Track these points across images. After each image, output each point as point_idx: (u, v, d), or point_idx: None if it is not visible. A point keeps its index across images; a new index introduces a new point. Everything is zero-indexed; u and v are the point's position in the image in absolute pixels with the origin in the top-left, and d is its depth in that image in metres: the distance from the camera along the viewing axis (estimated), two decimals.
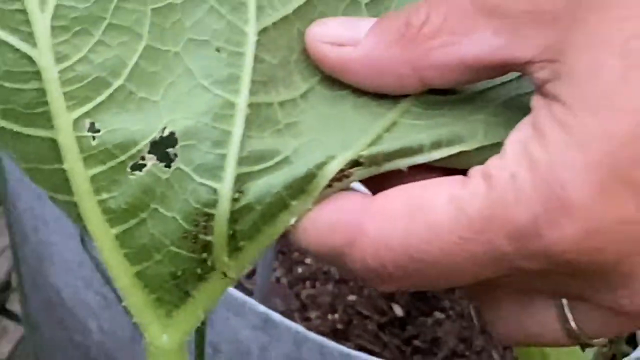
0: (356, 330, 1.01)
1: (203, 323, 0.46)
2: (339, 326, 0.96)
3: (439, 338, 1.08)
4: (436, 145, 0.37)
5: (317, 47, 0.38)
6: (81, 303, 0.89)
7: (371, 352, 0.88)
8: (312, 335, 0.77)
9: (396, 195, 0.36)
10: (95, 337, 0.89)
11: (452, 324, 1.10)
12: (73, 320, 0.91)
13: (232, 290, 0.76)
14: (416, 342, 1.04)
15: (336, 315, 1.02)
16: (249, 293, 0.87)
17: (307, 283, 1.07)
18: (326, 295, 1.07)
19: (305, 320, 0.90)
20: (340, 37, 0.37)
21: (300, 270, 1.07)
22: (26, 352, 1.07)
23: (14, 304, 1.03)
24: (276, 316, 0.77)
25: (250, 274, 1.01)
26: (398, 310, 1.10)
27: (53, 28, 0.37)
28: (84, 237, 0.76)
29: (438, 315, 1.09)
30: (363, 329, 1.03)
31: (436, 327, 1.09)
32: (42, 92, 0.38)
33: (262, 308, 0.77)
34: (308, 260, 1.09)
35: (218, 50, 0.38)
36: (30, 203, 0.91)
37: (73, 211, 0.40)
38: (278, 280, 1.02)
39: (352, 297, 1.07)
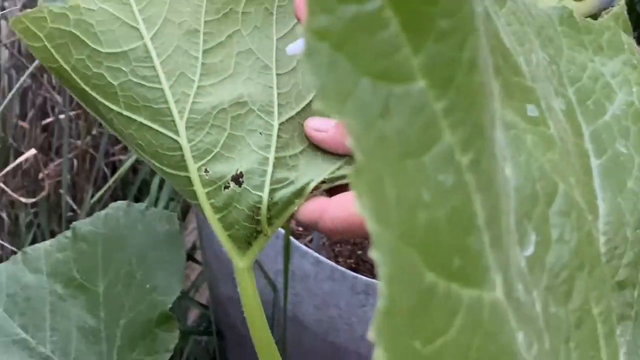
0: (361, 268, 1.19)
1: (287, 260, 0.78)
2: (353, 265, 1.16)
3: None
4: None
5: (308, 131, 0.57)
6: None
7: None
8: (339, 267, 1.03)
9: (341, 196, 0.55)
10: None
11: None
12: (226, 261, 0.97)
13: (302, 246, 1.04)
14: None
15: (351, 260, 1.25)
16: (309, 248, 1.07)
17: (337, 244, 1.27)
18: (346, 250, 1.27)
19: (336, 262, 1.08)
20: (320, 126, 0.57)
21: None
22: (204, 281, 1.31)
23: (198, 256, 1.27)
24: (322, 258, 1.03)
25: (310, 240, 1.22)
26: None
27: (186, 128, 0.57)
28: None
29: None
30: (365, 268, 1.19)
31: None
32: (181, 155, 0.57)
33: (315, 254, 1.03)
34: None
35: (260, 133, 0.57)
36: None
37: (200, 209, 0.59)
38: (323, 243, 1.24)
39: (359, 252, 1.27)
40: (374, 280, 1.02)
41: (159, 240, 0.66)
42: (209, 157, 0.57)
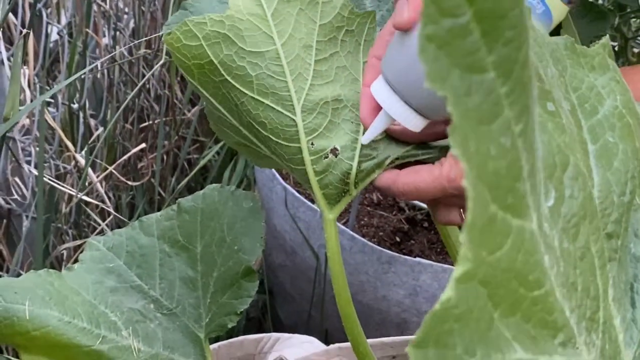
0: (381, 245, 1.12)
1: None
2: (375, 243, 1.09)
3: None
4: (425, 154, 0.60)
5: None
6: (282, 229, 1.19)
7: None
8: (369, 242, 1.07)
9: (410, 169, 0.57)
10: (287, 241, 1.19)
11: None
12: (279, 236, 1.21)
13: (341, 226, 1.09)
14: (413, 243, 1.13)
15: (375, 239, 1.25)
16: (346, 228, 1.11)
17: (364, 227, 1.30)
18: (371, 231, 1.29)
19: (364, 238, 1.09)
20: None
21: (362, 221, 1.31)
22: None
23: None
24: (356, 235, 1.07)
25: (345, 222, 1.26)
26: (404, 229, 1.32)
27: (301, 111, 0.61)
28: (286, 202, 1.15)
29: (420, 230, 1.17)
30: (385, 245, 1.14)
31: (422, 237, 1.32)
32: (296, 130, 0.61)
33: (350, 232, 1.07)
34: (365, 219, 1.32)
35: (352, 122, 0.62)
36: (265, 192, 1.22)
37: (303, 173, 0.62)
38: (354, 225, 1.25)
39: (380, 233, 1.32)
40: (394, 254, 1.06)
41: (244, 213, 0.69)
42: (315, 134, 0.62)
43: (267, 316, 1.34)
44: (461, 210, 0.57)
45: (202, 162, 1.38)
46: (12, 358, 0.63)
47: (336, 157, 0.61)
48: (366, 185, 0.62)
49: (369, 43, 0.63)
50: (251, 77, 0.60)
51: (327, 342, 0.92)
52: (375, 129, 0.57)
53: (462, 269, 0.20)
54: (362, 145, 0.61)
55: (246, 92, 0.61)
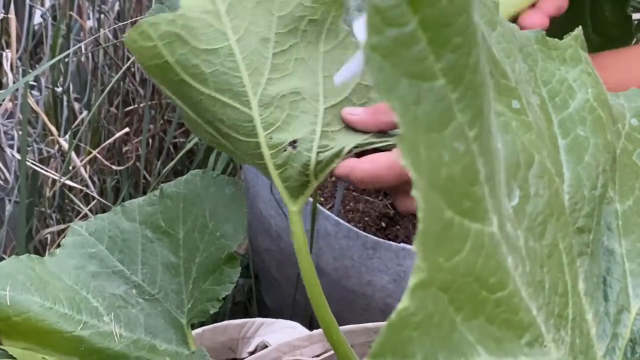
0: (367, 230, 1.11)
1: (314, 221, 0.82)
2: (361, 228, 1.08)
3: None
4: (383, 142, 0.60)
5: (343, 115, 0.61)
6: (268, 214, 1.19)
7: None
8: (354, 228, 1.07)
9: (368, 157, 0.57)
10: (272, 226, 1.19)
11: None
12: (264, 220, 1.20)
13: (326, 211, 1.08)
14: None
15: (360, 224, 1.26)
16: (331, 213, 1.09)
17: (350, 212, 1.30)
18: (356, 216, 1.29)
19: (350, 223, 1.09)
20: (352, 112, 0.61)
21: (348, 207, 1.32)
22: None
23: None
24: (341, 221, 1.07)
25: (331, 207, 1.27)
26: (390, 214, 1.31)
27: (258, 106, 0.60)
28: (271, 187, 1.12)
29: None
30: (370, 231, 1.13)
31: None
32: (253, 126, 0.61)
33: (336, 218, 1.07)
34: (351, 204, 1.32)
35: (310, 114, 0.62)
36: (251, 177, 1.20)
37: (263, 167, 0.62)
38: (340, 210, 1.26)
39: (366, 219, 1.33)
40: (379, 239, 1.05)
41: (226, 199, 0.69)
42: (273, 128, 0.62)
43: (252, 300, 1.35)
44: None
45: (188, 146, 1.37)
46: None
47: (295, 149, 0.61)
48: (326, 176, 0.63)
49: (332, 32, 0.62)
50: (206, 75, 0.60)
51: (311, 327, 0.92)
52: (349, 69, 0.54)
53: (417, 278, 0.20)
54: (321, 136, 0.61)
55: (203, 90, 0.61)
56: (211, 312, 0.68)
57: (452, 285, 0.21)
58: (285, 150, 0.61)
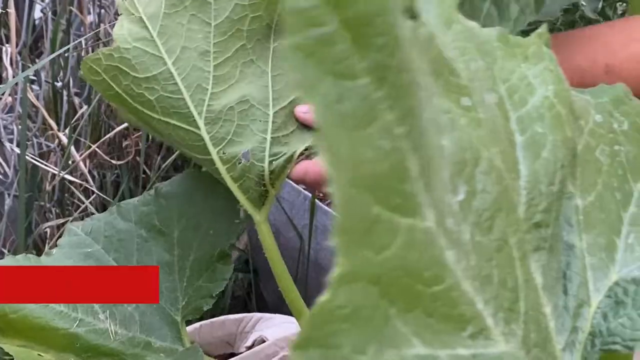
0: None
1: (312, 217, 0.85)
2: None
3: None
4: None
5: (297, 113, 0.62)
6: None
7: None
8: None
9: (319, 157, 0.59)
10: (271, 222, 1.19)
11: None
12: None
13: (324, 206, 1.08)
14: None
15: None
16: (329, 208, 1.12)
17: None
18: None
19: None
20: (305, 110, 0.61)
21: None
22: (243, 230, 1.33)
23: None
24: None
25: (329, 203, 1.19)
26: None
27: (205, 124, 0.61)
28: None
29: None
30: None
31: None
32: (204, 144, 0.62)
33: (334, 213, 1.11)
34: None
35: (260, 121, 0.62)
36: None
37: (223, 181, 0.63)
38: None
39: None
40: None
41: (219, 197, 0.70)
42: (224, 143, 0.62)
43: (252, 295, 1.35)
44: None
45: None
46: None
47: (248, 161, 0.61)
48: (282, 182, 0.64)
49: (282, 23, 0.61)
50: (152, 102, 0.61)
51: None
52: None
53: (339, 271, 0.20)
54: (272, 143, 0.61)
55: (153, 115, 0.61)
56: (205, 309, 0.69)
57: (383, 278, 0.21)
58: (239, 163, 0.62)
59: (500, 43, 0.38)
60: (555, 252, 0.35)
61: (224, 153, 0.61)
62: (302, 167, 0.59)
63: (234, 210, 0.69)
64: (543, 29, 0.39)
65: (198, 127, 0.61)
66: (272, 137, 0.62)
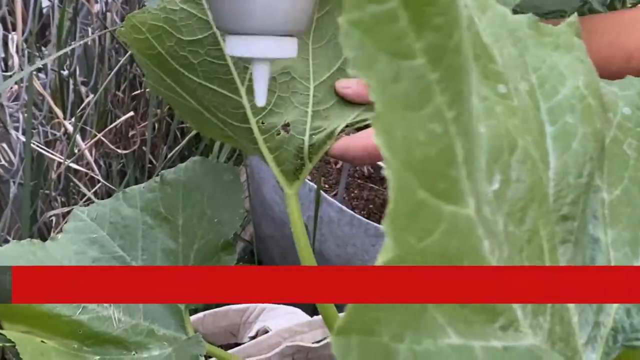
0: (371, 218, 1.13)
1: (317, 208, 0.85)
2: (365, 216, 1.08)
3: None
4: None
5: (337, 88, 0.61)
6: (272, 200, 1.20)
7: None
8: (357, 215, 1.08)
9: (361, 133, 0.58)
10: (277, 212, 1.21)
11: None
12: (268, 206, 1.22)
13: (329, 198, 1.09)
14: None
15: (364, 212, 1.26)
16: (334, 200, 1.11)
17: (354, 199, 1.32)
18: (361, 204, 1.30)
19: (354, 211, 1.10)
20: (346, 84, 0.61)
21: (352, 194, 1.33)
22: (248, 222, 1.36)
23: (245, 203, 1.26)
24: (344, 208, 1.08)
25: (335, 194, 1.28)
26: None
27: (246, 93, 0.60)
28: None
29: None
30: (375, 218, 1.18)
31: None
32: (244, 112, 0.62)
33: (339, 205, 1.08)
34: (356, 191, 1.33)
35: (300, 94, 0.61)
36: (256, 162, 1.23)
37: (259, 152, 0.63)
38: (344, 197, 1.27)
39: (370, 206, 1.34)
40: (382, 227, 1.03)
41: (224, 186, 0.70)
42: (264, 113, 0.61)
43: None
44: None
45: (193, 132, 1.37)
46: None
47: (288, 133, 0.61)
48: (320, 157, 0.63)
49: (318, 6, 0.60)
50: (195, 65, 0.60)
51: (314, 313, 0.93)
52: (259, 83, 0.51)
53: (386, 257, 0.20)
54: (313, 117, 0.61)
55: (195, 79, 0.61)
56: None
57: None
58: (278, 134, 0.61)
59: (531, 30, 0.37)
60: (580, 246, 0.34)
61: (262, 123, 0.61)
62: (343, 144, 0.59)
63: (239, 200, 0.68)
64: (573, 17, 0.39)
65: (240, 95, 0.61)
66: (313, 111, 0.61)
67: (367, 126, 0.60)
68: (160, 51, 0.60)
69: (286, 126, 0.61)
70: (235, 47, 0.50)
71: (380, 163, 1.10)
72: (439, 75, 0.22)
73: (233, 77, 0.60)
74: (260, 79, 0.51)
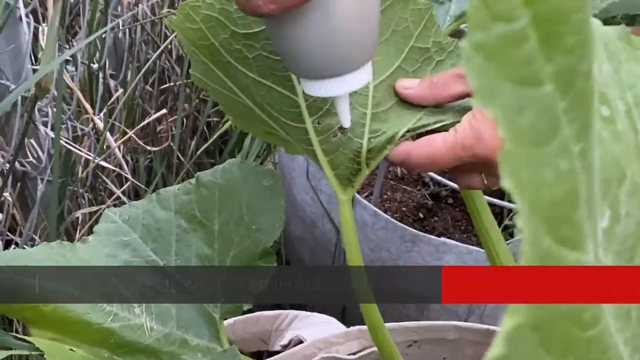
0: (404, 221, 1.12)
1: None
2: (398, 218, 1.05)
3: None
4: (437, 122, 0.57)
5: (398, 89, 0.58)
6: (303, 200, 1.19)
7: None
8: (393, 219, 1.06)
9: (423, 140, 0.55)
10: (307, 213, 1.19)
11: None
12: (299, 207, 1.20)
13: (364, 200, 1.07)
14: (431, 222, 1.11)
15: (397, 214, 1.25)
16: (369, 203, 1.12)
17: (387, 201, 1.30)
18: (394, 206, 1.28)
19: (386, 213, 1.09)
20: (407, 85, 0.58)
21: (385, 196, 1.31)
22: None
23: None
24: (379, 211, 1.06)
25: (368, 196, 1.27)
26: (428, 205, 1.30)
27: (303, 91, 0.55)
28: (308, 173, 1.14)
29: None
30: (407, 222, 1.20)
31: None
32: (299, 111, 0.59)
33: (374, 208, 1.06)
34: (388, 193, 1.31)
35: (359, 94, 0.58)
36: (286, 161, 1.22)
37: (312, 154, 0.60)
38: (377, 200, 1.24)
39: (403, 209, 1.35)
40: (419, 233, 1.04)
41: (264, 191, 0.67)
42: (320, 113, 0.58)
43: None
44: (482, 174, 0.56)
45: (223, 128, 1.35)
46: (19, 335, 0.62)
47: (345, 135, 0.58)
48: (378, 162, 0.60)
49: None
50: (250, 60, 0.57)
51: (343, 319, 0.90)
52: (343, 111, 0.53)
53: (516, 320, 0.18)
54: (372, 119, 0.58)
55: (248, 73, 0.58)
56: (245, 308, 0.66)
57: (545, 324, 0.20)
58: (335, 136, 0.58)
59: (623, 44, 0.34)
60: None
61: (318, 123, 0.58)
62: (404, 149, 0.56)
63: (279, 207, 0.65)
64: None
65: (295, 93, 0.58)
66: (372, 113, 0.58)
67: (428, 132, 0.57)
68: (214, 42, 0.57)
69: (343, 128, 0.58)
70: (312, 88, 0.51)
71: None
72: (568, 103, 0.20)
73: (289, 74, 0.58)
74: (342, 108, 0.52)
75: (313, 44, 0.48)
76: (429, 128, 0.57)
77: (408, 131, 0.57)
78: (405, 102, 0.58)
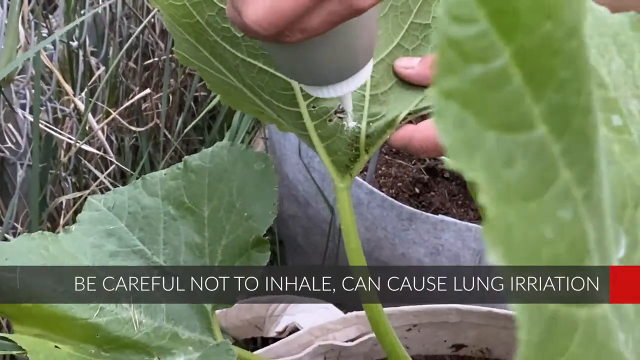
0: (399, 197, 1.16)
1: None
2: (393, 195, 1.04)
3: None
4: None
5: (397, 68, 0.56)
6: (295, 178, 1.17)
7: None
8: (389, 197, 1.03)
9: (426, 123, 0.54)
10: (300, 192, 1.17)
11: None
12: (291, 185, 1.18)
13: (358, 178, 1.02)
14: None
15: (392, 190, 1.22)
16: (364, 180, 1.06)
17: (382, 177, 1.26)
18: (389, 182, 1.25)
19: (381, 189, 1.05)
20: (407, 64, 0.56)
21: (380, 171, 1.27)
22: None
23: None
24: (374, 189, 1.03)
25: (363, 171, 1.18)
26: (424, 179, 1.25)
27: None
28: (300, 151, 1.10)
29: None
30: (403, 197, 1.20)
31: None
32: (293, 94, 0.56)
33: (369, 186, 1.04)
34: (383, 168, 1.28)
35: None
36: (277, 138, 1.20)
37: (308, 139, 0.58)
38: (372, 177, 1.21)
39: (399, 184, 1.28)
40: (415, 210, 1.01)
41: (255, 176, 0.64)
42: (305, 101, 0.56)
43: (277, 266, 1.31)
44: None
45: (211, 104, 1.32)
46: (2, 333, 0.59)
47: (342, 119, 0.56)
48: (382, 145, 0.57)
49: None
50: (238, 39, 0.54)
51: (340, 305, 0.89)
52: (346, 109, 0.52)
53: None
54: (370, 102, 0.55)
55: (237, 54, 0.55)
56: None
57: None
58: (331, 120, 0.56)
59: (635, 32, 0.32)
60: None
61: (313, 107, 0.56)
62: (406, 133, 0.54)
63: (272, 192, 0.63)
64: None
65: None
66: (370, 95, 0.56)
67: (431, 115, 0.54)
68: (199, 20, 0.54)
69: (340, 112, 0.55)
70: (314, 92, 0.49)
71: None
72: (565, 144, 0.18)
73: None
74: (347, 103, 0.51)
75: (322, 59, 0.46)
76: (430, 110, 0.54)
77: (409, 114, 0.55)
78: (406, 83, 0.56)
